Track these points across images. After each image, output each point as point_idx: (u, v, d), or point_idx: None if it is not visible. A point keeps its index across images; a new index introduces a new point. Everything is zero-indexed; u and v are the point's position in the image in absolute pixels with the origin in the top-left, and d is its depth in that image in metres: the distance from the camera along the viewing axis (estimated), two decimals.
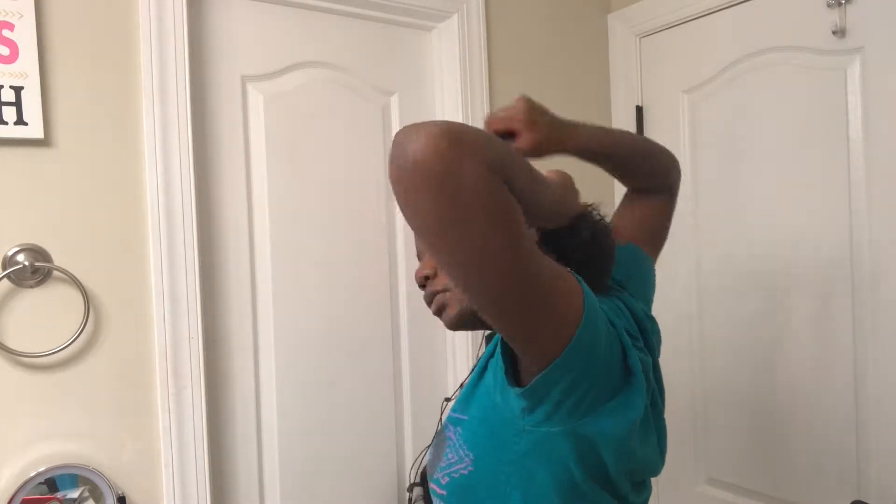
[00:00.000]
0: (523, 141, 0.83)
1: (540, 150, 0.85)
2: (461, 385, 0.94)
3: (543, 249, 0.85)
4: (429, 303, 0.90)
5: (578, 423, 0.73)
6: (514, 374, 0.76)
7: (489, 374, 0.84)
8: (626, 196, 1.08)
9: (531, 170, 0.70)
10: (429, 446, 0.95)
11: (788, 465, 1.57)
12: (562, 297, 0.68)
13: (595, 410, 0.73)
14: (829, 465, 1.50)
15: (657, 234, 1.06)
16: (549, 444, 0.74)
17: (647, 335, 0.90)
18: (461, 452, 0.82)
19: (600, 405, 0.73)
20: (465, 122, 0.64)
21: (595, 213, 0.90)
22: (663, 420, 0.89)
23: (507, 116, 0.84)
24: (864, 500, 1.40)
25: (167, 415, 1.27)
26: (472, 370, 0.92)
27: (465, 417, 0.85)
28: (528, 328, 0.68)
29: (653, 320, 0.95)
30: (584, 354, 0.69)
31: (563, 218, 0.81)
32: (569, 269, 0.73)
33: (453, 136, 0.58)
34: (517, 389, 0.73)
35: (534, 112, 0.85)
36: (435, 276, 0.88)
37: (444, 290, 0.87)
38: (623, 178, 1.04)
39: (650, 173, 1.02)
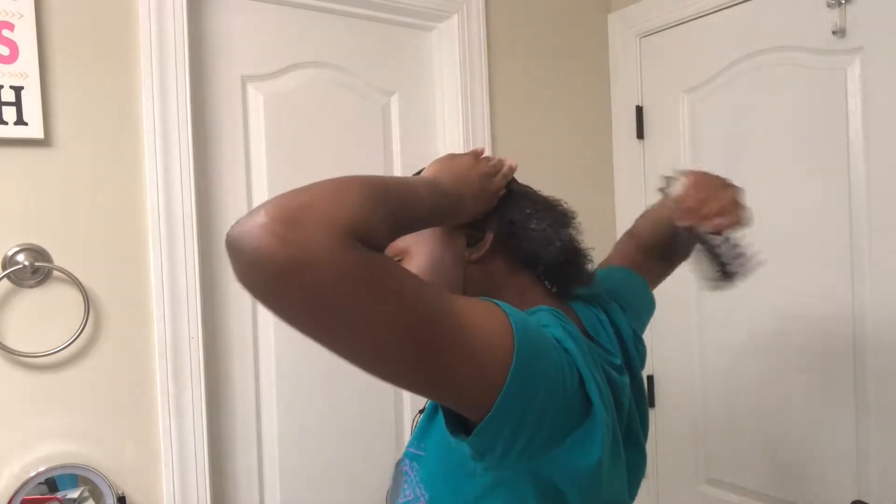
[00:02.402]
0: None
1: None
2: (420, 411, 0.88)
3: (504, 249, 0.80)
4: None
5: (534, 465, 0.66)
6: (457, 417, 0.67)
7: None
8: (640, 239, 1.06)
9: (401, 189, 0.63)
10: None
11: (788, 465, 1.57)
12: (480, 346, 0.60)
13: (551, 449, 0.65)
14: (829, 465, 1.50)
15: (658, 278, 1.08)
16: (506, 487, 0.68)
17: (628, 353, 0.84)
18: (417, 491, 0.77)
19: (557, 443, 0.66)
20: (310, 186, 0.56)
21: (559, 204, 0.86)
22: (642, 447, 0.82)
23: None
24: (864, 500, 1.41)
25: (167, 415, 1.26)
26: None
27: (422, 453, 0.79)
28: (445, 391, 0.61)
29: (640, 341, 0.90)
30: (523, 398, 0.61)
31: (464, 210, 0.74)
32: (493, 300, 0.66)
33: (288, 216, 0.51)
34: (461, 438, 0.65)
35: None
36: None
37: None
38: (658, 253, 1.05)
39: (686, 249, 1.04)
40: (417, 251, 0.80)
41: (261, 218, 0.51)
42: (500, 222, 0.81)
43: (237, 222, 0.53)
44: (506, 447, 0.64)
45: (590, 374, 0.67)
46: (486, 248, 0.80)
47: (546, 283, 0.86)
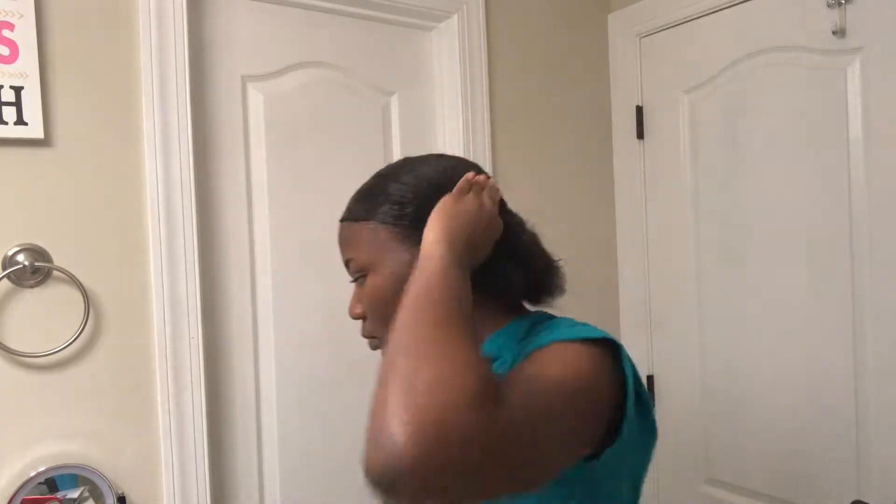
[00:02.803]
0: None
1: None
2: None
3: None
4: (364, 337, 0.83)
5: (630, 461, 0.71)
6: None
7: None
8: None
9: (448, 293, 0.60)
10: None
11: (788, 465, 1.57)
12: (605, 398, 0.64)
13: (646, 431, 0.71)
14: (829, 465, 1.50)
15: None
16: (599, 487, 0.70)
17: None
18: None
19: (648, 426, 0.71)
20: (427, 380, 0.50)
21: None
22: None
23: None
24: (864, 501, 1.41)
25: (167, 415, 1.26)
26: None
27: None
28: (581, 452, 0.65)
29: None
30: (633, 435, 0.67)
31: (475, 261, 0.72)
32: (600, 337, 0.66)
33: (437, 423, 0.47)
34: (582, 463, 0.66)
35: None
36: (365, 318, 0.81)
37: (374, 337, 0.81)
38: None
39: None
40: (380, 269, 0.77)
41: (406, 439, 0.46)
42: None
43: (372, 458, 0.48)
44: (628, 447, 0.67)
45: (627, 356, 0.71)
46: None
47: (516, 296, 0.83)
